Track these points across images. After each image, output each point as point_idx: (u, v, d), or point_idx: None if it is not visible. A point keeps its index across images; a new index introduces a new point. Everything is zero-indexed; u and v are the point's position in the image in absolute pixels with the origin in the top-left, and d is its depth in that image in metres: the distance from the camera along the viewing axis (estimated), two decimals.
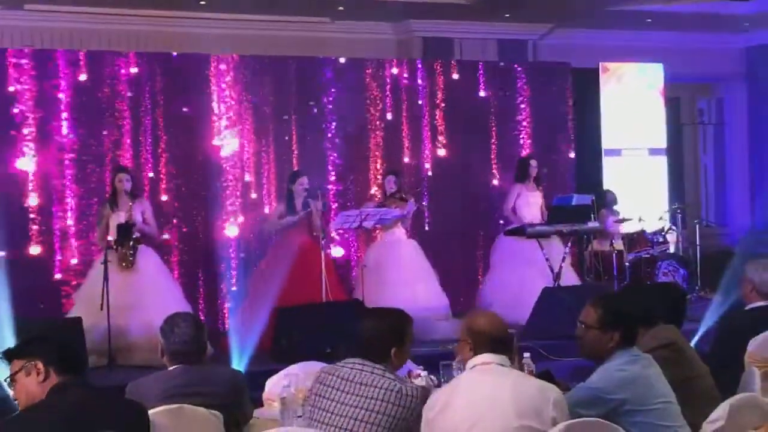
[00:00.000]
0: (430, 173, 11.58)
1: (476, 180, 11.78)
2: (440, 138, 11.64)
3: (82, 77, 10.07)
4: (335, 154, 11.11)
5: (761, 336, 5.18)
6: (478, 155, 11.79)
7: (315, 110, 11.07)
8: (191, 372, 4.16)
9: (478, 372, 3.80)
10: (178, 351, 4.17)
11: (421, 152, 11.55)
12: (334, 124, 11.13)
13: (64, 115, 9.98)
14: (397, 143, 11.43)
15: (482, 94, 11.88)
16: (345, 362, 3.99)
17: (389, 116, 11.40)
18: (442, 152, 11.63)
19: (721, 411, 3.94)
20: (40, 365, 3.55)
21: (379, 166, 11.21)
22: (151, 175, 10.27)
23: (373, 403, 3.82)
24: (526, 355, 4.87)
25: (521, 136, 12.03)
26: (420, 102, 11.58)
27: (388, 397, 3.82)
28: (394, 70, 11.50)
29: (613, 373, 4.01)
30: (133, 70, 10.25)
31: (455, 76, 11.78)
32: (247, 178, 10.69)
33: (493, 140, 11.90)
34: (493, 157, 11.86)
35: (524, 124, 12.07)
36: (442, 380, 4.85)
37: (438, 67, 11.76)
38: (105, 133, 10.16)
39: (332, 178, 11.05)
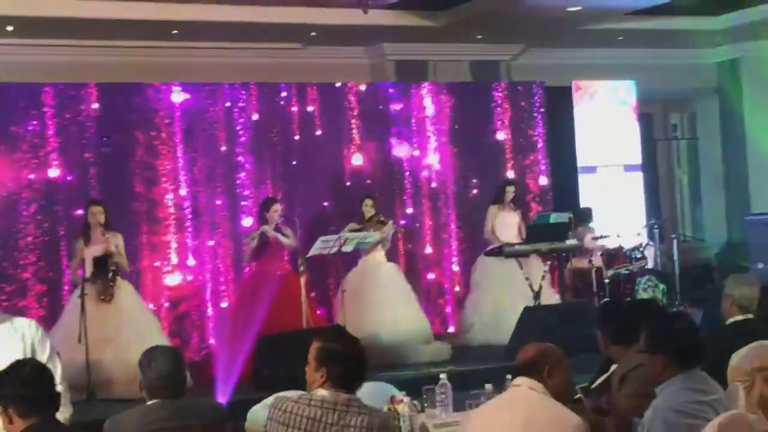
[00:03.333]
0: (408, 195, 11.62)
1: (456, 199, 11.83)
2: (421, 159, 11.73)
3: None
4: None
5: (742, 350, 5.15)
6: (458, 174, 11.86)
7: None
8: (171, 406, 4.10)
9: (510, 390, 4.00)
10: (156, 385, 4.10)
11: (402, 172, 11.62)
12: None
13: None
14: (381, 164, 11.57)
15: (460, 115, 11.94)
16: (308, 400, 3.75)
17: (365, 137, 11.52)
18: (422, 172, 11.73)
19: (711, 430, 3.91)
20: (1, 409, 3.49)
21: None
22: None
23: None
24: (508, 376, 4.85)
25: (497, 156, 12.07)
26: (398, 123, 11.70)
27: None
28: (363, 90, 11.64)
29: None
30: (94, 105, 10.27)
31: (431, 98, 11.85)
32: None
33: (470, 160, 11.95)
34: (472, 177, 11.94)
35: (499, 143, 12.11)
36: (425, 405, 4.83)
37: (413, 89, 11.83)
38: None
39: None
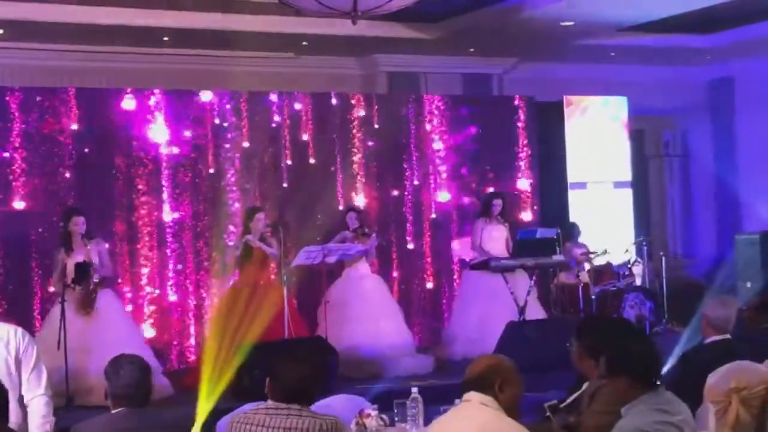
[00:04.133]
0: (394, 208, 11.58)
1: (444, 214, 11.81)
2: (407, 173, 11.67)
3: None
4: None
5: (720, 370, 5.14)
6: (444, 188, 11.82)
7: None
8: (135, 415, 4.08)
9: (461, 405, 3.93)
10: (122, 394, 4.09)
11: (387, 187, 11.57)
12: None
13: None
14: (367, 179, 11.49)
15: (449, 128, 11.93)
16: (256, 408, 3.99)
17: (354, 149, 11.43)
18: (408, 186, 11.67)
19: None
20: None
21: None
22: None
23: None
24: None
25: (487, 169, 12.04)
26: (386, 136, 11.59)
27: None
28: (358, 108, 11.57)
29: None
30: (73, 111, 10.16)
31: (422, 111, 11.82)
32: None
33: (458, 173, 11.93)
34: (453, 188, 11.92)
35: (489, 157, 12.08)
36: (396, 419, 4.79)
37: (402, 101, 11.80)
38: None
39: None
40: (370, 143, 11.43)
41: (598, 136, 13.10)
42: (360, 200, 11.22)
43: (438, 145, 11.81)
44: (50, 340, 8.25)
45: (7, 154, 9.89)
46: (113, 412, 4.11)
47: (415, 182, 11.65)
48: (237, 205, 10.63)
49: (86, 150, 10.21)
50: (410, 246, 11.57)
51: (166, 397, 8.54)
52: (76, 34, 10.62)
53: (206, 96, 10.76)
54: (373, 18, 11.05)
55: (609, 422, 4.09)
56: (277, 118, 11.08)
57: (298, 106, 11.17)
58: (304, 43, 11.72)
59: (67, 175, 10.09)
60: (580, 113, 13.13)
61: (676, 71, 14.03)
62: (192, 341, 10.42)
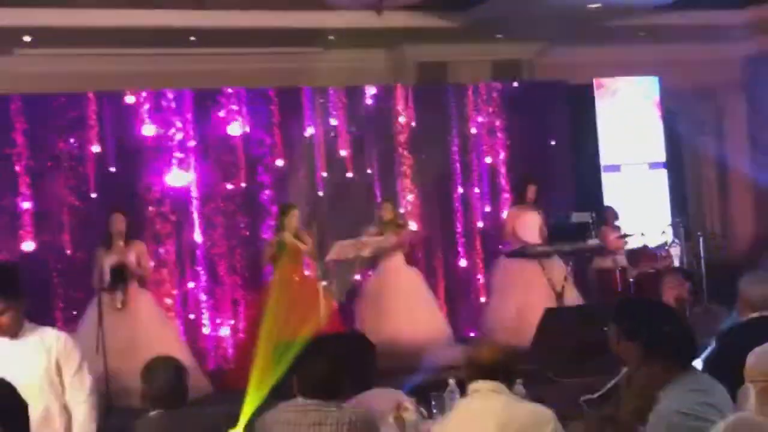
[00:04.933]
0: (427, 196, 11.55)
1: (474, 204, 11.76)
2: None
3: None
4: None
5: (758, 349, 5.07)
6: (476, 178, 11.78)
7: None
8: (172, 417, 4.12)
9: (470, 397, 3.91)
10: (158, 396, 4.14)
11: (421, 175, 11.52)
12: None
13: None
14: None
15: (480, 117, 11.85)
16: (286, 406, 4.04)
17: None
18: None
19: None
20: None
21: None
22: None
23: None
24: (519, 380, 4.78)
25: (518, 155, 11.97)
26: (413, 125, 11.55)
27: (341, 431, 3.90)
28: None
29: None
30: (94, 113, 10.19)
31: (449, 100, 11.76)
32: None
33: (491, 160, 11.87)
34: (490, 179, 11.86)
35: (521, 143, 12.01)
36: (434, 411, 4.78)
37: (428, 91, 11.75)
38: None
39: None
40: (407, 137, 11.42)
41: (630, 118, 12.97)
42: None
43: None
44: (86, 341, 8.28)
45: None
46: (150, 414, 4.15)
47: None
48: (267, 196, 10.67)
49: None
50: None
51: (205, 395, 8.56)
52: (98, 38, 10.67)
53: (234, 94, 10.76)
54: (398, 9, 11.05)
55: (647, 406, 4.05)
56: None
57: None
58: (331, 37, 11.70)
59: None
60: (611, 95, 13.02)
61: (709, 48, 13.83)
62: (230, 340, 10.44)
